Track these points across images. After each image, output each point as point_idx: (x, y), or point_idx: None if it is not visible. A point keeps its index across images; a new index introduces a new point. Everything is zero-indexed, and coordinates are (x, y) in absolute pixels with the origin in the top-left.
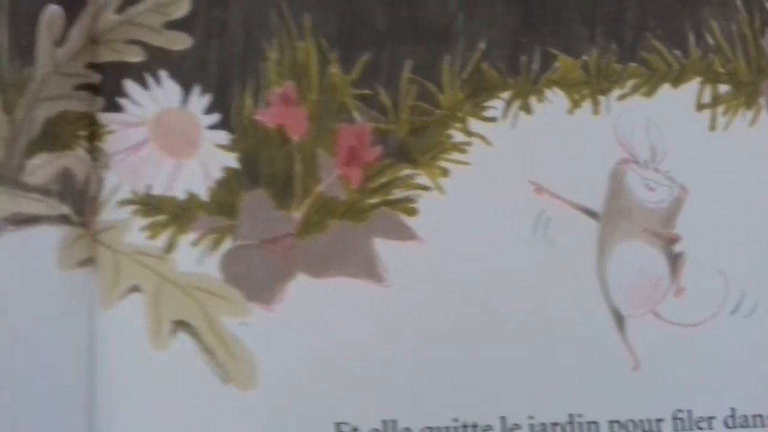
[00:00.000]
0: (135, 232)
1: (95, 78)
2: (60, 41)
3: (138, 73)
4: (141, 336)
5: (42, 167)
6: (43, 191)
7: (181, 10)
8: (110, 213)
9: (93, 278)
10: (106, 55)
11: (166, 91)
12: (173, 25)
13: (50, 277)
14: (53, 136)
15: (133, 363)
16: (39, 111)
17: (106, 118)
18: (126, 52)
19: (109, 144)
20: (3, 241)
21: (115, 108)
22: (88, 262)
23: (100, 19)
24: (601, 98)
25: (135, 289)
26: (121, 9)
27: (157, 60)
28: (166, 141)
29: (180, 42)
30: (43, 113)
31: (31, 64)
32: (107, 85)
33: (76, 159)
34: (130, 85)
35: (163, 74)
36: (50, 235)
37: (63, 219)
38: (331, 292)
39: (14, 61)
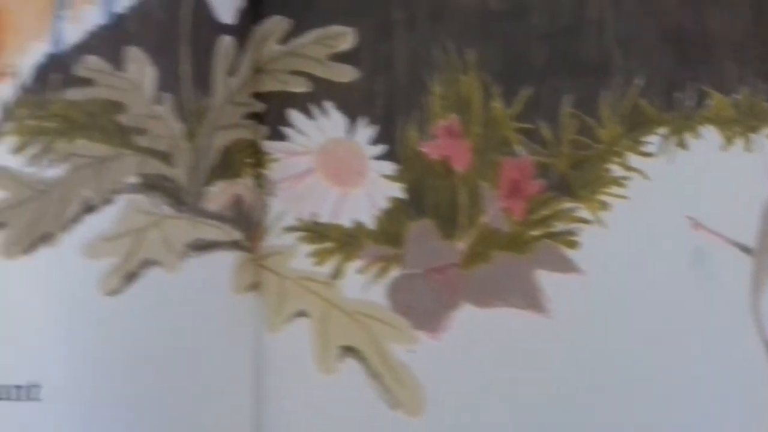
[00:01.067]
0: (301, 258)
1: (259, 107)
2: (232, 71)
3: (303, 103)
4: (308, 360)
5: (219, 194)
6: (220, 218)
7: (347, 44)
8: (275, 239)
9: (259, 302)
10: (270, 85)
11: (332, 122)
12: (339, 58)
13: (224, 301)
14: (227, 164)
15: (300, 386)
16: (216, 139)
17: (270, 146)
18: (291, 82)
19: (273, 171)
20: (186, 266)
21: (280, 137)
22: (255, 286)
23: (264, 50)
24: (753, 136)
25: (301, 313)
26: (284, 40)
27: (323, 91)
28: (332, 170)
29: (346, 74)
30: (220, 141)
31: (208, 94)
32: (271, 113)
33: (244, 186)
34: (294, 115)
35: (329, 105)
36: (225, 260)
37: (235, 245)
38: (494, 322)
39: (195, 90)
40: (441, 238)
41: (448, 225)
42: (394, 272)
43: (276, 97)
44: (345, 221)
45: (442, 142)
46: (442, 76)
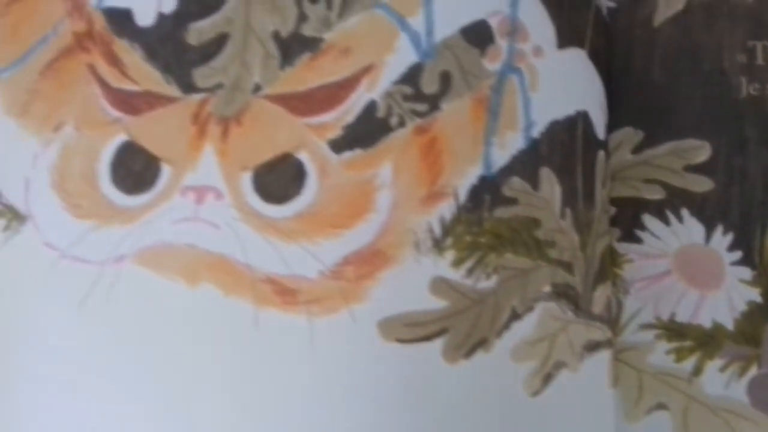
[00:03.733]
0: (659, 355)
1: (611, 210)
2: (604, 182)
3: (657, 209)
4: None
5: (600, 297)
6: (600, 318)
7: (702, 156)
8: (630, 335)
9: (617, 393)
10: (623, 191)
11: (687, 228)
12: (694, 169)
13: (600, 395)
14: (602, 269)
15: None
16: (597, 247)
17: (623, 247)
18: (644, 189)
19: (627, 272)
20: (581, 366)
21: (632, 239)
22: (615, 379)
23: (615, 158)
24: None
25: (660, 406)
26: (637, 150)
27: (678, 199)
28: (689, 273)
29: (701, 185)
30: (598, 249)
31: (592, 206)
32: (623, 217)
33: (611, 287)
34: (649, 220)
35: (685, 212)
36: (603, 359)
37: (608, 343)
38: None
39: (585, 203)
40: None
41: None
42: (753, 371)
43: (628, 202)
44: (704, 321)
45: None
46: None
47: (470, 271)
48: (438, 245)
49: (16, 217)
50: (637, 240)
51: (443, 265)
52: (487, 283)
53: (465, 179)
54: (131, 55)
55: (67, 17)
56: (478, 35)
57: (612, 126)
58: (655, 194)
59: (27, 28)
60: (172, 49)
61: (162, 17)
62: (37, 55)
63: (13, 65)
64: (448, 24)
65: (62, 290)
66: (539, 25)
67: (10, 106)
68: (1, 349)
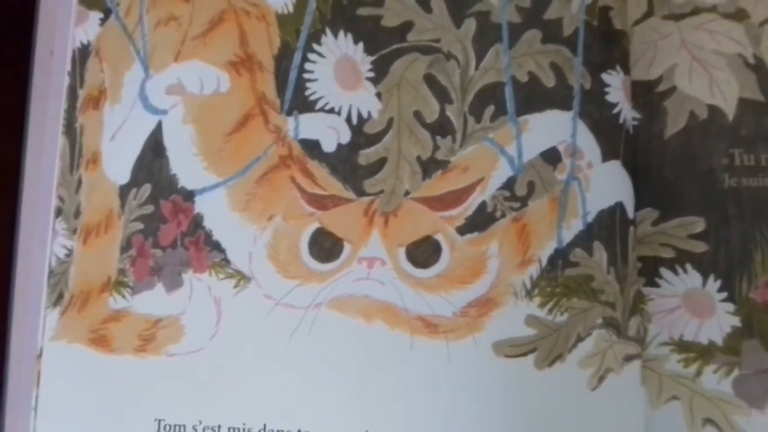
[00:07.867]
0: (672, 363)
1: (638, 265)
2: (633, 248)
3: (670, 263)
4: (681, 429)
5: (633, 325)
6: (635, 339)
7: (699, 228)
8: (653, 350)
9: (644, 389)
10: (646, 251)
11: (690, 277)
12: (693, 236)
13: (633, 390)
14: (634, 306)
15: None
16: (630, 292)
17: (647, 290)
18: (660, 250)
19: (650, 307)
20: (622, 371)
21: (653, 284)
22: (643, 379)
23: (640, 229)
24: None
25: (674, 397)
26: (655, 223)
27: (683, 257)
28: (692, 308)
29: (699, 247)
30: (632, 293)
31: (626, 265)
32: (646, 269)
33: (640, 318)
34: (664, 271)
35: (689, 266)
36: (636, 366)
37: (639, 356)
38: None
39: (621, 264)
40: (765, 351)
41: None
42: (735, 372)
43: (650, 259)
44: (702, 340)
45: (764, 291)
46: (763, 250)
47: (550, 311)
48: (529, 294)
49: (243, 278)
50: (656, 285)
51: (533, 307)
52: (561, 318)
53: (545, 251)
54: (320, 170)
55: (273, 144)
56: (551, 157)
57: (637, 207)
58: (668, 254)
59: (245, 152)
60: (348, 167)
61: (340, 146)
62: (252, 170)
63: (235, 176)
64: (531, 150)
65: (277, 327)
66: (590, 147)
67: (234, 204)
68: (235, 369)
